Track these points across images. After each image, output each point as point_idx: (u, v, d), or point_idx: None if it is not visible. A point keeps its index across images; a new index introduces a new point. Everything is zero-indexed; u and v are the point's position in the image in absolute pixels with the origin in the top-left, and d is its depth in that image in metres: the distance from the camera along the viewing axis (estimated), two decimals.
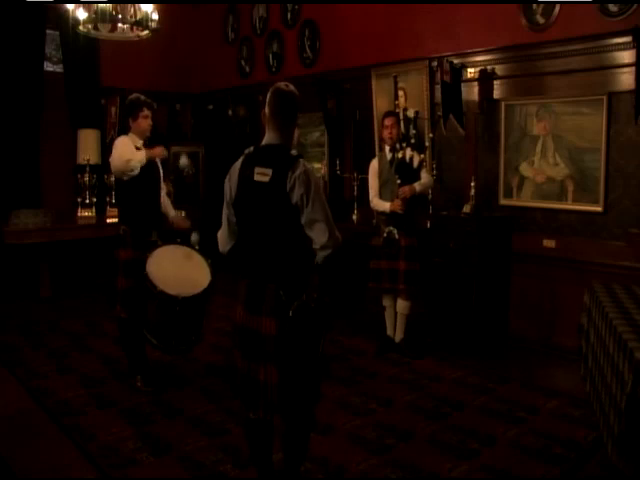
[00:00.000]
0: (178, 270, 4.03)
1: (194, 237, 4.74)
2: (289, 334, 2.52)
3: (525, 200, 5.26)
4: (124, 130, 4.27)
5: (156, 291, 3.81)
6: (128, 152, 3.98)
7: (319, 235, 2.54)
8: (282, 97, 2.61)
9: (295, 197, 2.48)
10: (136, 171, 3.99)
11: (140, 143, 4.13)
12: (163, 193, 4.35)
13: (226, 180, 2.68)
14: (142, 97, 4.15)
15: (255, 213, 2.59)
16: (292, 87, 2.65)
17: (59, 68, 7.82)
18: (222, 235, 2.78)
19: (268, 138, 2.63)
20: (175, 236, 4.29)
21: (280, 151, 2.58)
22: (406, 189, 4.74)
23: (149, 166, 4.12)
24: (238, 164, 2.65)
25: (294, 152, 2.59)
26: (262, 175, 2.53)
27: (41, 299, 6.62)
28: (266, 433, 2.75)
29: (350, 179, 6.52)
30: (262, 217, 2.57)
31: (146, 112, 4.10)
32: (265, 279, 2.56)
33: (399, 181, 4.77)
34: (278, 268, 2.56)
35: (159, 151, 4.18)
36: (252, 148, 2.65)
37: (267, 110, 2.62)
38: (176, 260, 4.07)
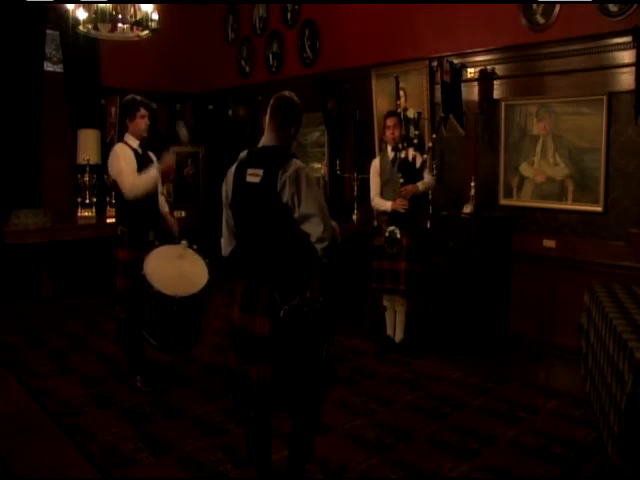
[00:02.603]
0: (175, 270, 4.02)
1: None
2: (281, 335, 2.53)
3: (525, 200, 5.26)
4: (124, 131, 4.27)
5: (153, 291, 3.81)
6: (137, 180, 3.99)
7: (314, 229, 2.56)
8: (282, 100, 2.67)
9: (286, 196, 2.50)
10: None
11: (137, 144, 4.13)
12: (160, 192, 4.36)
13: (223, 183, 2.72)
14: (138, 97, 4.16)
15: (248, 214, 2.62)
16: (295, 96, 2.70)
17: (59, 68, 7.82)
18: (224, 240, 2.81)
19: (265, 140, 2.66)
20: (173, 236, 4.28)
21: (274, 152, 2.60)
22: (409, 188, 4.74)
23: (147, 167, 4.13)
24: (234, 167, 2.69)
25: (287, 153, 2.61)
26: (253, 176, 2.56)
27: (41, 299, 6.62)
28: (263, 433, 2.76)
29: (350, 179, 6.52)
30: (255, 218, 2.60)
31: (143, 112, 4.11)
32: (260, 280, 2.58)
33: (402, 180, 4.77)
34: (273, 269, 2.57)
35: (168, 165, 4.16)
36: (246, 151, 2.69)
37: (267, 114, 2.67)
38: (173, 260, 4.06)
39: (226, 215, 2.74)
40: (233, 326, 2.68)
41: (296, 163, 2.55)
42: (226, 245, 2.79)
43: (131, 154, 4.07)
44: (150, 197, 4.19)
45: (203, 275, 4.01)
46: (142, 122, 4.11)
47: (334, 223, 2.64)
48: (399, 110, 5.22)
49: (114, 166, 4.08)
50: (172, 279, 3.92)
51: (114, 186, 4.26)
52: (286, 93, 2.70)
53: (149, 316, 3.91)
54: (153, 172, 4.05)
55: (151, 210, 4.23)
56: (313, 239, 2.59)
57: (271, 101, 2.68)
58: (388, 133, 4.87)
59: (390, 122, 4.85)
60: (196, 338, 4.08)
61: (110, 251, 4.15)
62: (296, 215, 2.53)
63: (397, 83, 5.23)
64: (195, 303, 3.95)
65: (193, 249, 4.14)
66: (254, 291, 2.58)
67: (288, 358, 2.55)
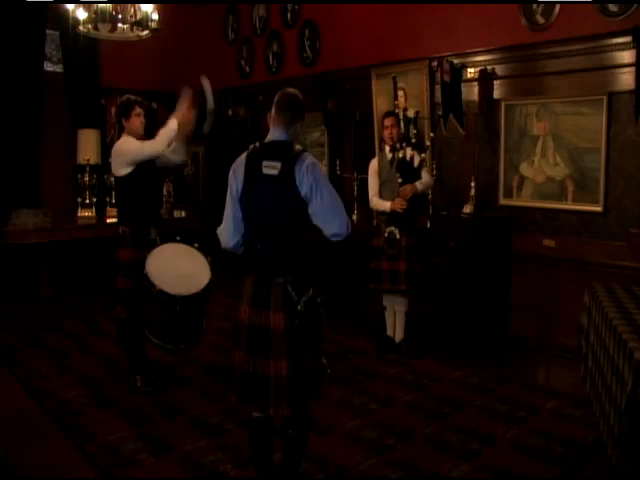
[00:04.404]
0: (178, 269, 4.02)
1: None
2: (298, 328, 2.54)
3: (525, 200, 5.25)
4: (121, 132, 4.27)
5: (155, 290, 3.81)
6: (156, 139, 3.97)
7: (330, 222, 2.59)
8: (288, 96, 2.71)
9: (305, 188, 2.53)
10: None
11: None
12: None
13: (230, 175, 2.69)
14: (132, 96, 4.18)
15: (264, 206, 2.60)
16: (299, 93, 2.74)
17: (59, 68, 7.82)
18: (225, 230, 2.74)
19: (273, 134, 2.67)
20: (175, 234, 4.28)
21: (286, 146, 2.63)
22: (408, 188, 4.74)
23: (147, 164, 4.12)
24: (242, 159, 2.67)
25: (298, 147, 2.64)
26: (271, 168, 2.57)
27: (41, 299, 6.62)
28: (268, 432, 2.76)
29: (350, 179, 6.52)
30: (271, 210, 2.59)
31: (138, 110, 4.11)
32: (273, 274, 2.58)
33: (400, 180, 4.77)
34: (286, 262, 2.57)
35: (187, 113, 4.03)
36: (257, 143, 2.68)
37: (273, 109, 2.68)
38: (176, 259, 4.06)
39: (232, 209, 2.69)
40: (241, 324, 2.66)
41: (310, 157, 2.60)
42: (228, 237, 2.72)
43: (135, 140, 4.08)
44: (151, 195, 4.20)
45: (205, 274, 4.01)
46: (137, 120, 4.11)
47: (348, 219, 2.67)
48: (397, 110, 5.22)
49: (128, 147, 4.02)
50: (174, 278, 3.92)
51: (115, 184, 4.24)
52: (290, 90, 2.73)
53: (151, 315, 3.91)
54: (171, 123, 3.99)
55: (153, 209, 4.24)
56: (328, 233, 2.61)
57: (276, 97, 2.70)
58: (386, 133, 4.87)
59: (388, 122, 4.85)
60: (198, 337, 4.08)
61: (112, 252, 4.15)
62: (311, 209, 2.55)
63: (395, 83, 5.22)
64: (197, 302, 3.95)
65: (195, 247, 4.14)
66: (266, 286, 2.58)
67: (303, 351, 2.57)
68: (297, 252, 2.59)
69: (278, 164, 2.55)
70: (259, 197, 2.60)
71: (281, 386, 2.56)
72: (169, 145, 4.04)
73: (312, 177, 2.53)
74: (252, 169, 2.61)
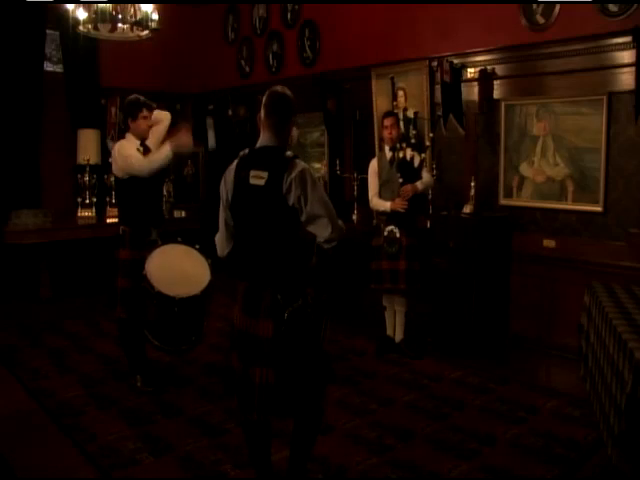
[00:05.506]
0: (177, 270, 4.02)
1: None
2: (285, 336, 2.53)
3: (525, 200, 5.25)
4: (124, 131, 4.26)
5: (154, 291, 3.81)
6: (150, 157, 3.96)
7: (322, 229, 2.57)
8: (276, 98, 2.63)
9: (292, 198, 2.49)
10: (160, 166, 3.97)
11: (138, 144, 4.12)
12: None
13: (221, 184, 2.68)
14: (141, 98, 4.15)
15: (251, 216, 2.59)
16: (287, 90, 2.66)
17: (59, 68, 7.81)
18: (220, 239, 2.77)
19: (263, 140, 2.63)
20: (175, 235, 4.28)
21: (275, 153, 2.58)
22: (408, 188, 4.75)
23: None
24: (233, 167, 2.65)
25: (289, 153, 2.58)
26: (257, 178, 2.53)
27: (41, 299, 6.62)
28: (264, 434, 2.76)
29: (350, 179, 6.52)
30: (259, 220, 2.57)
31: (145, 113, 4.11)
32: (263, 282, 2.57)
33: (401, 180, 4.78)
34: (276, 271, 2.56)
35: (185, 139, 4.08)
36: (247, 150, 2.65)
37: (262, 112, 2.63)
38: (176, 260, 4.05)
39: (225, 216, 2.71)
40: (234, 328, 2.67)
41: (300, 164, 2.55)
42: (223, 246, 2.76)
43: (134, 147, 4.07)
44: (152, 195, 4.20)
45: (205, 276, 4.00)
46: (144, 123, 4.11)
47: (340, 222, 2.65)
48: (396, 110, 5.22)
49: (121, 153, 4.01)
50: (174, 279, 3.92)
51: (116, 184, 4.24)
52: (278, 89, 2.65)
53: (151, 316, 3.90)
54: (165, 149, 3.98)
55: (153, 208, 4.24)
56: (321, 239, 2.59)
57: (264, 99, 2.63)
58: (385, 133, 4.88)
59: (387, 122, 4.85)
60: (198, 339, 4.07)
61: (112, 252, 4.15)
62: (303, 217, 2.53)
63: (393, 84, 5.22)
64: (196, 304, 3.95)
65: (196, 249, 4.14)
66: (256, 293, 2.57)
67: (291, 359, 2.55)
68: (288, 261, 2.57)
69: (265, 174, 2.51)
70: (247, 207, 2.59)
71: (265, 394, 2.56)
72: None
73: (300, 187, 2.48)
74: (240, 179, 2.58)
